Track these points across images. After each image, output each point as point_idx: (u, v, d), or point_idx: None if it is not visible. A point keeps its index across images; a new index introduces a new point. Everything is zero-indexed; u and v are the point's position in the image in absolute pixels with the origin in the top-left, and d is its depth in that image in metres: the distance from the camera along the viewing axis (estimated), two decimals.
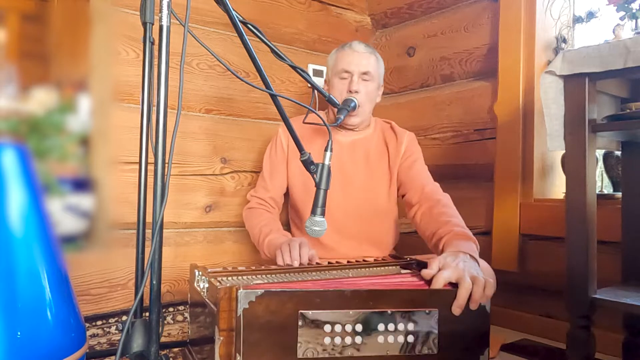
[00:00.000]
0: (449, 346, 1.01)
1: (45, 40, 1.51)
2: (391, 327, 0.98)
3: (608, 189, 1.66)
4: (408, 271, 1.22)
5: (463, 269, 1.07)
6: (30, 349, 0.83)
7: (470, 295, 1.01)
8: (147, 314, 0.91)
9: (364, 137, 1.68)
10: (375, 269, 1.27)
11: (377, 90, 1.66)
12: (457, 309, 1.00)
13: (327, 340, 0.96)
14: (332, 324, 0.96)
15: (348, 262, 1.32)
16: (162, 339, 1.04)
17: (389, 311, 0.98)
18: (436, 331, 1.00)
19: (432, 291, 1.02)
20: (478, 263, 1.18)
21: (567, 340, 1.25)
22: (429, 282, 1.06)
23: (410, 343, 0.99)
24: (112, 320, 1.62)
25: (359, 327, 0.97)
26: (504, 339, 1.63)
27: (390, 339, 0.98)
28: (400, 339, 0.98)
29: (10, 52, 1.42)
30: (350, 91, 1.57)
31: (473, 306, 1.02)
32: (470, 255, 1.17)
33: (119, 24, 1.63)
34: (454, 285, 1.03)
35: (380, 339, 0.98)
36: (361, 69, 1.59)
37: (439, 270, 1.08)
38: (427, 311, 1.00)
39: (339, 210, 1.61)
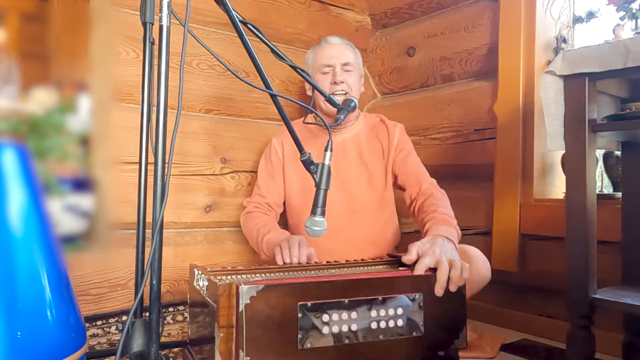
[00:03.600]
0: (433, 327, 1.10)
1: (45, 40, 1.51)
2: (383, 313, 1.05)
3: (608, 189, 1.66)
4: (405, 268, 1.23)
5: (440, 254, 1.15)
6: (30, 349, 0.83)
7: (449, 278, 1.10)
8: (147, 314, 0.91)
9: (354, 135, 1.68)
10: (373, 267, 1.28)
11: (360, 80, 1.70)
12: (439, 290, 1.10)
13: (325, 330, 1.00)
14: (330, 313, 1.01)
15: (346, 261, 1.32)
16: (162, 339, 1.04)
17: (380, 298, 1.05)
18: (422, 314, 1.08)
19: (415, 277, 1.11)
20: (455, 246, 1.26)
21: (567, 340, 1.25)
22: (412, 269, 1.14)
23: (401, 326, 1.06)
24: (112, 320, 1.62)
25: (354, 315, 1.02)
26: (504, 339, 1.63)
27: (383, 324, 1.05)
28: (392, 323, 1.06)
29: (11, 52, 1.42)
30: (335, 82, 1.60)
31: (453, 288, 1.11)
32: (447, 238, 1.24)
33: (119, 24, 1.63)
34: (434, 270, 1.12)
35: (374, 325, 1.04)
36: (341, 60, 1.63)
37: (419, 256, 1.16)
38: (412, 296, 1.08)
39: (337, 212, 1.61)
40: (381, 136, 1.68)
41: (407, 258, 1.17)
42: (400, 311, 1.06)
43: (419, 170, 1.63)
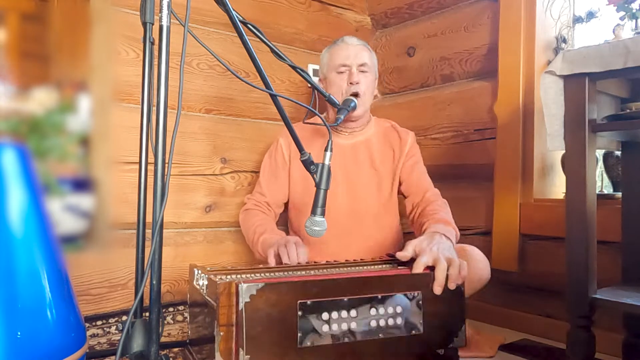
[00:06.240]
0: (432, 325, 1.09)
1: (45, 40, 1.51)
2: (382, 311, 1.05)
3: (608, 189, 1.66)
4: (404, 267, 1.23)
5: (437, 251, 1.15)
6: (30, 349, 0.83)
7: (447, 276, 1.10)
8: (147, 314, 0.91)
9: (366, 139, 1.68)
10: (372, 267, 1.28)
11: (374, 82, 1.68)
12: (438, 287, 1.09)
13: (325, 328, 1.01)
14: (330, 312, 1.01)
15: (346, 260, 1.32)
16: (162, 339, 1.04)
17: (379, 296, 1.05)
18: (421, 312, 1.09)
19: (414, 275, 1.11)
20: (453, 244, 1.26)
21: (567, 340, 1.25)
22: (411, 267, 1.14)
23: (400, 325, 1.07)
24: (112, 320, 1.62)
25: (353, 313, 1.03)
26: (504, 339, 1.63)
27: (382, 322, 1.05)
28: (391, 321, 1.06)
29: (10, 52, 1.42)
30: (351, 83, 1.58)
31: (451, 286, 1.11)
32: (445, 235, 1.25)
33: (119, 24, 1.63)
34: (432, 269, 1.12)
35: (373, 323, 1.04)
36: (358, 60, 1.60)
37: (415, 254, 1.16)
38: (411, 294, 1.08)
39: (344, 214, 1.61)
40: (393, 142, 1.68)
41: (402, 254, 1.17)
42: (399, 309, 1.06)
43: (424, 179, 1.64)
